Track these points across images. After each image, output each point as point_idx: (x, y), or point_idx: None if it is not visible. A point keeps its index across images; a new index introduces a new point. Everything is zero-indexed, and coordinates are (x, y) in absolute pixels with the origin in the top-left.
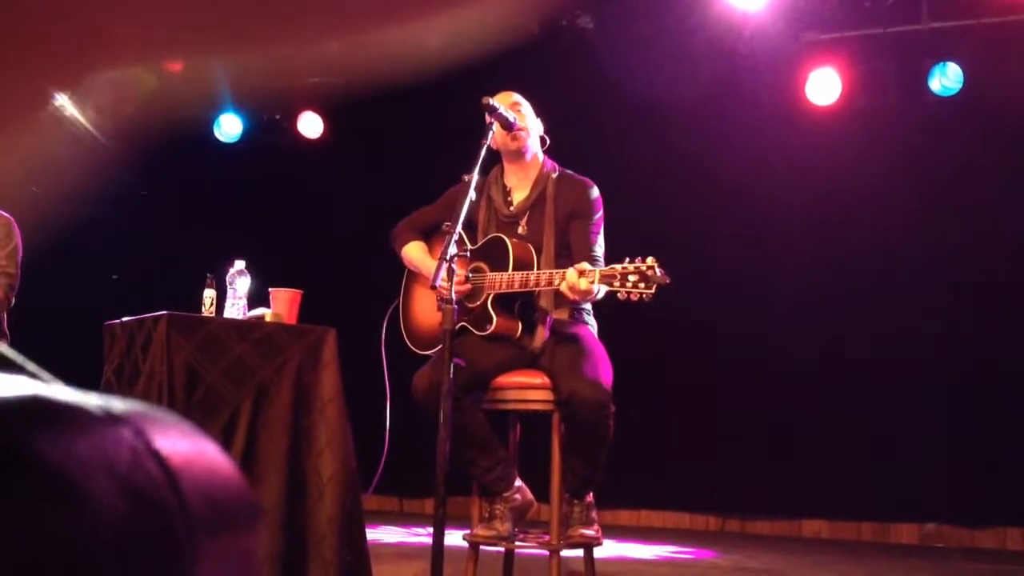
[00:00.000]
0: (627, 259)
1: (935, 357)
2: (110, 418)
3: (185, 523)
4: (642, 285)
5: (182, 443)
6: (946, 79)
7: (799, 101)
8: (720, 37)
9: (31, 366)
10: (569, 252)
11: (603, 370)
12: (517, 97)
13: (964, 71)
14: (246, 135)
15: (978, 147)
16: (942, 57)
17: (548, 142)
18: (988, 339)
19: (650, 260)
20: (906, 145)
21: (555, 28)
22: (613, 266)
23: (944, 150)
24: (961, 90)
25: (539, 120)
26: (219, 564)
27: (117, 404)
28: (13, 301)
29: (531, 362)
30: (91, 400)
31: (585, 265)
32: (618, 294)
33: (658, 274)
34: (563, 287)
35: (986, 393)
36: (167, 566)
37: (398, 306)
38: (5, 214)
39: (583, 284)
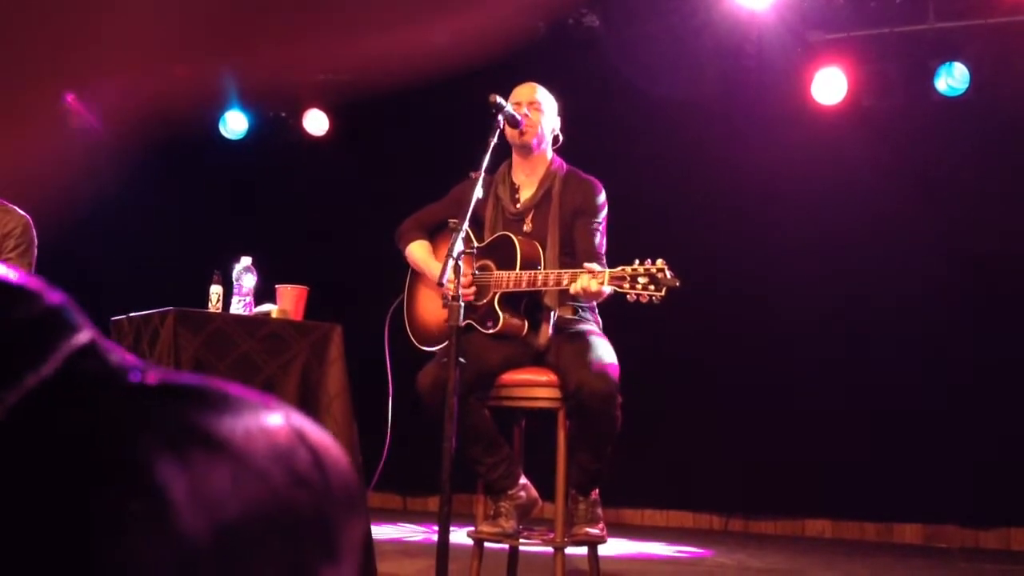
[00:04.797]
0: (636, 260)
1: (939, 356)
2: (267, 406)
3: (331, 503)
4: (652, 287)
5: (316, 431)
6: (952, 79)
7: (805, 101)
8: (726, 36)
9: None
10: (572, 250)
11: (609, 362)
12: (538, 95)
13: (970, 71)
14: (251, 132)
15: (984, 147)
16: (948, 57)
17: (561, 140)
18: (993, 338)
19: (660, 262)
20: (912, 145)
21: (561, 26)
22: (623, 267)
23: (950, 150)
24: (967, 90)
25: (558, 118)
26: (350, 541)
27: (262, 394)
28: None
29: (536, 359)
30: (243, 389)
31: (595, 266)
32: (627, 296)
33: (668, 276)
34: (573, 288)
35: (990, 393)
36: (321, 538)
37: (402, 302)
38: (22, 214)
39: (593, 286)
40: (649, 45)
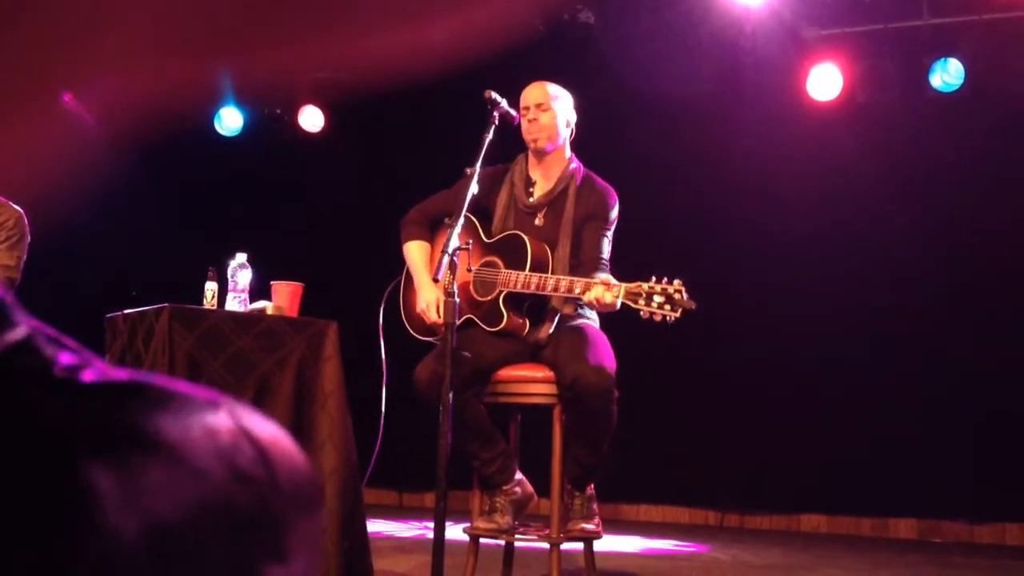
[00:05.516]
0: (653, 277)
1: (935, 353)
2: (210, 403)
3: (278, 500)
4: (667, 307)
5: (265, 427)
6: (947, 75)
7: (800, 97)
8: (722, 32)
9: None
10: (579, 252)
11: (606, 357)
12: (549, 93)
13: (965, 67)
14: (247, 129)
15: (979, 143)
16: (943, 53)
17: (573, 133)
18: (989, 334)
19: (677, 282)
20: (907, 141)
21: (557, 23)
22: (639, 283)
23: (945, 146)
24: (962, 86)
25: (574, 113)
26: (301, 539)
27: (209, 391)
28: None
29: (534, 355)
30: (188, 386)
31: (610, 278)
32: (641, 312)
33: (684, 298)
34: (587, 297)
35: (985, 389)
36: (266, 537)
37: (398, 286)
38: (16, 208)
39: (607, 298)
40: (644, 41)
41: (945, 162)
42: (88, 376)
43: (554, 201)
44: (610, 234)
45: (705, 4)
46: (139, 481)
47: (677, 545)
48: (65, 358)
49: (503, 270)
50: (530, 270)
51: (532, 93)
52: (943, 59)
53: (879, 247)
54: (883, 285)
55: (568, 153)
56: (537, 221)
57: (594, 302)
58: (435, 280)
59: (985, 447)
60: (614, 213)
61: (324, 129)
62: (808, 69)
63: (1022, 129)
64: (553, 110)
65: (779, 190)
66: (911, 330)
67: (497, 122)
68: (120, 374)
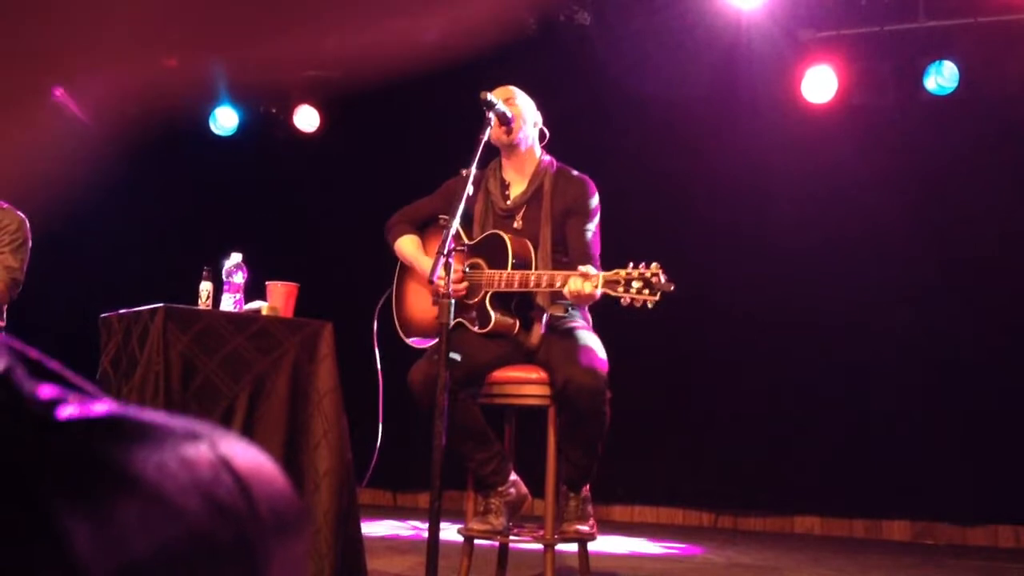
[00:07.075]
0: (631, 264)
1: (930, 355)
2: (190, 435)
3: (257, 530)
4: (646, 292)
5: (246, 455)
6: (942, 78)
7: (795, 99)
8: (717, 34)
9: (65, 372)
10: (565, 248)
11: (598, 358)
12: (512, 91)
13: (960, 70)
14: (242, 128)
15: (973, 146)
16: (938, 55)
17: (547, 136)
18: (983, 336)
19: (654, 266)
20: (901, 143)
21: (552, 23)
22: (617, 271)
23: (939, 149)
24: (957, 89)
25: (538, 113)
26: (282, 567)
27: (189, 421)
28: (15, 296)
29: (527, 357)
30: (168, 418)
31: (589, 269)
32: (621, 299)
33: (662, 280)
34: (566, 291)
35: (979, 391)
36: (246, 569)
37: (390, 297)
38: (19, 214)
39: (587, 288)
40: (640, 43)
41: (939, 165)
42: (64, 412)
43: (531, 200)
44: (594, 226)
45: (701, 6)
46: (113, 520)
47: (671, 547)
48: (44, 391)
49: (487, 270)
50: (512, 268)
51: (497, 91)
52: (938, 62)
53: (874, 248)
54: (877, 287)
55: (539, 152)
56: (516, 224)
57: (573, 295)
58: (430, 282)
59: (978, 449)
60: (594, 203)
61: (319, 129)
62: (803, 71)
63: (1016, 132)
64: (518, 105)
65: (774, 192)
66: (906, 332)
67: (492, 123)
68: (98, 408)
